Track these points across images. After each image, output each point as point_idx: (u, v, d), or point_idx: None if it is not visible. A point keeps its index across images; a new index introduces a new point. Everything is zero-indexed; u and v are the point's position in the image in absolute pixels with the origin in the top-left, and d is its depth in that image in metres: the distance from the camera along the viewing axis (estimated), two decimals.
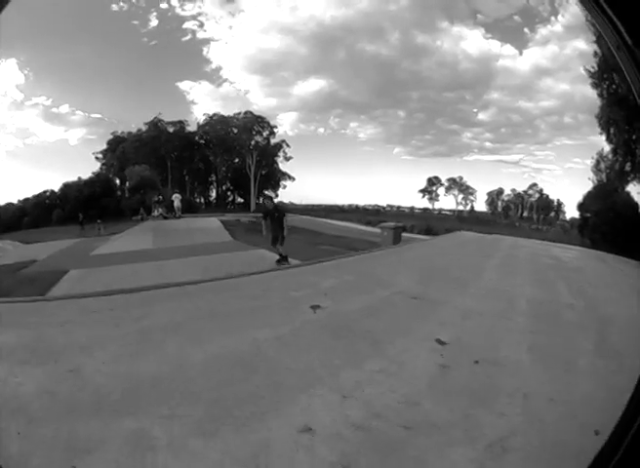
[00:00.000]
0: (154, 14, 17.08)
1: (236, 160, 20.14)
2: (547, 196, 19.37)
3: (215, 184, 20.25)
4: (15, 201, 15.71)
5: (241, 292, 5.33)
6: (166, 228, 12.83)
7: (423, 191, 20.39)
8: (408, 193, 20.82)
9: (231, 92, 19.63)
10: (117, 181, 16.83)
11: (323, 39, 19.12)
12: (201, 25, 17.70)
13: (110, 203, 14.86)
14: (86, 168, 17.13)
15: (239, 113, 18.89)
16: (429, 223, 15.95)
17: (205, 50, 19.26)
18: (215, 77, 18.62)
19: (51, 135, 18.79)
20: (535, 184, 19.50)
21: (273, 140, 19.31)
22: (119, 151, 16.78)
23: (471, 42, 19.21)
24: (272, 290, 5.44)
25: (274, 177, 20.21)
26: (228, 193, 20.78)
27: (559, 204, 19.07)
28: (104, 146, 17.29)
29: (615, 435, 1.07)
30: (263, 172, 19.62)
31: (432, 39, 19.40)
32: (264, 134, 19.06)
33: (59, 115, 17.97)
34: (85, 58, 16.06)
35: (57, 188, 15.65)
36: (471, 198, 20.50)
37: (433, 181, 20.55)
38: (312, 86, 21.10)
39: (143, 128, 17.63)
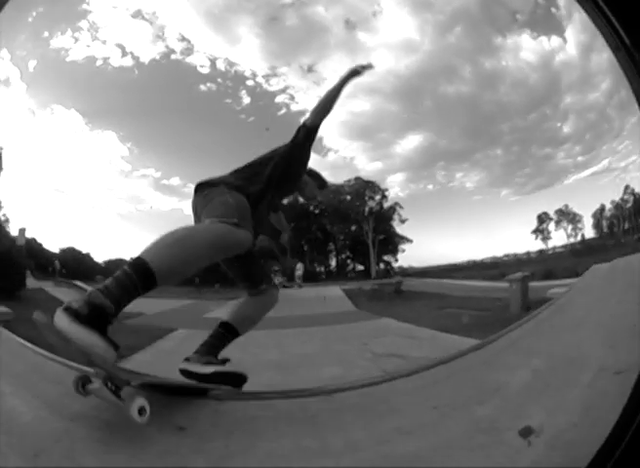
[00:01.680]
0: (243, 91, 18.13)
1: (353, 227, 19.56)
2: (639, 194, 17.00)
3: (334, 253, 19.71)
4: (128, 258, 16.41)
5: None
6: (287, 297, 12.23)
7: (536, 231, 18.50)
8: (521, 237, 18.69)
9: (338, 160, 19.75)
10: None
11: (406, 91, 19.01)
12: (292, 98, 18.34)
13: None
14: None
15: (349, 180, 18.77)
16: (547, 265, 14.35)
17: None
18: (319, 147, 19.00)
19: (164, 203, 19.88)
20: (627, 186, 17.02)
21: (386, 204, 18.58)
22: None
23: (526, 48, 17.71)
24: None
25: (392, 242, 19.17)
26: (348, 261, 20.08)
27: None
28: None
29: (615, 430, 1.13)
30: (381, 237, 18.75)
31: (497, 60, 18.24)
32: (377, 198, 18.51)
33: (170, 187, 19.01)
34: (187, 136, 17.10)
35: None
36: (579, 226, 18.36)
37: (543, 218, 18.61)
38: (411, 142, 20.63)
39: None
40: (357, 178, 19.01)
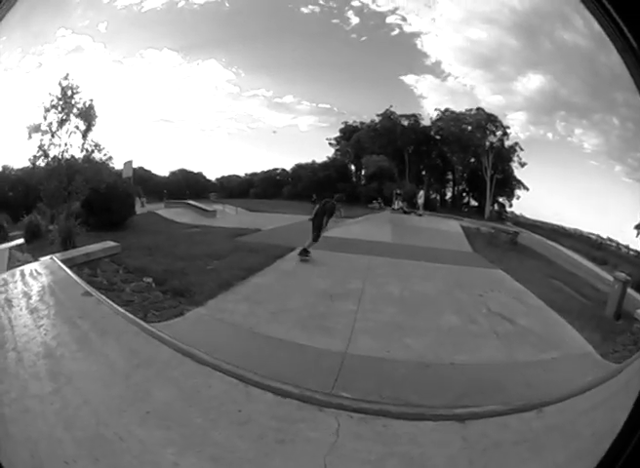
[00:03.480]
0: (350, 12, 16.40)
1: (472, 160, 18.48)
2: None
3: (451, 183, 19.06)
4: (241, 174, 16.88)
5: None
6: (405, 223, 12.39)
7: (638, 227, 15.44)
8: (625, 227, 16.10)
9: (458, 87, 17.97)
10: (352, 168, 17.19)
11: (523, 27, 15.76)
12: (404, 19, 16.25)
13: (346, 188, 15.05)
14: (319, 152, 17.91)
15: (470, 110, 17.21)
16: None
17: (419, 43, 17.81)
18: (437, 71, 17.10)
19: (278, 120, 19.98)
20: None
21: (507, 143, 17.07)
22: (354, 140, 17.10)
23: None
24: None
25: (509, 184, 17.96)
26: (464, 194, 19.40)
27: None
28: (337, 134, 17.73)
29: (620, 438, 1.28)
30: (499, 176, 17.60)
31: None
32: (498, 134, 16.99)
33: (283, 104, 18.83)
34: (296, 57, 16.34)
35: (288, 168, 16.48)
36: None
37: None
38: (533, 82, 17.85)
39: (376, 119, 17.57)
40: (479, 109, 17.40)
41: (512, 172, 17.71)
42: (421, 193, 13.66)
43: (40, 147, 9.10)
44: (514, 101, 18.67)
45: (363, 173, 16.06)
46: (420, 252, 9.01)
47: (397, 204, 13.67)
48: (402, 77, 18.81)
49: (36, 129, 9.12)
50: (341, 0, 17.50)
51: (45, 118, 9.20)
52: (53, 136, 9.20)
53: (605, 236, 16.94)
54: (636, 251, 16.38)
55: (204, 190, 15.86)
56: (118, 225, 8.96)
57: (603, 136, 17.44)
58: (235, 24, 16.32)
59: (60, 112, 9.35)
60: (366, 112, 18.70)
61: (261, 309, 5.07)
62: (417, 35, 17.82)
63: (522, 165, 17.64)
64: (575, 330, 5.68)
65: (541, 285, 8.13)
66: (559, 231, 17.86)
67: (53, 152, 9.16)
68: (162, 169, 14.45)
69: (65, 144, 9.24)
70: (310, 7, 16.49)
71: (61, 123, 9.34)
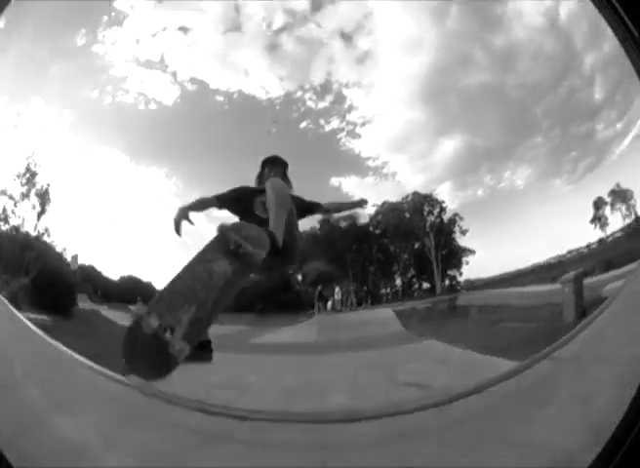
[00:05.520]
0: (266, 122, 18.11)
1: (415, 245, 19.25)
2: None
3: (398, 272, 19.51)
4: None
5: None
6: (337, 321, 12.55)
7: (594, 220, 16.45)
8: (582, 230, 16.45)
9: (381, 177, 19.52)
10: (299, 277, 17.75)
11: (426, 93, 17.82)
12: (316, 123, 18.45)
13: (288, 297, 15.55)
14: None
15: (406, 196, 18.53)
16: (605, 256, 12.73)
17: (336, 144, 19.65)
18: (359, 169, 18.83)
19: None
20: None
21: (446, 216, 18.03)
22: None
23: (528, 11, 15.61)
24: None
25: (455, 255, 18.50)
26: (413, 280, 19.71)
27: None
28: None
29: (614, 437, 1.23)
30: (444, 252, 18.21)
31: (506, 35, 16.37)
32: (436, 212, 18.02)
33: (219, 219, 20.12)
34: (225, 169, 17.37)
35: None
36: (632, 203, 15.93)
37: (598, 204, 16.30)
38: (448, 147, 19.52)
39: (317, 225, 18.66)
40: (414, 193, 18.77)
41: (456, 242, 18.51)
42: (337, 290, 14.00)
43: (3, 211, 9.68)
44: (436, 174, 20.15)
45: (304, 279, 16.59)
46: (344, 343, 9.17)
47: (319, 305, 13.95)
48: (331, 181, 20.59)
49: (3, 192, 9.73)
50: (255, 112, 19.55)
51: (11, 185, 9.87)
52: (15, 204, 9.85)
53: (564, 252, 17.21)
54: (598, 240, 16.64)
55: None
56: (58, 312, 9.18)
57: (532, 164, 18.48)
58: (169, 136, 17.87)
59: (23, 185, 10.07)
60: (305, 222, 20.01)
61: None
62: (329, 136, 19.95)
63: (463, 233, 18.31)
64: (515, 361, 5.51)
65: (481, 335, 8.13)
66: (517, 275, 17.84)
67: (13, 221, 9.76)
68: (112, 271, 14.74)
69: (23, 219, 9.93)
70: (230, 118, 18.36)
71: (23, 197, 10.01)
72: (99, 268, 13.81)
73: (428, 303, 13.06)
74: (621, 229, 16.24)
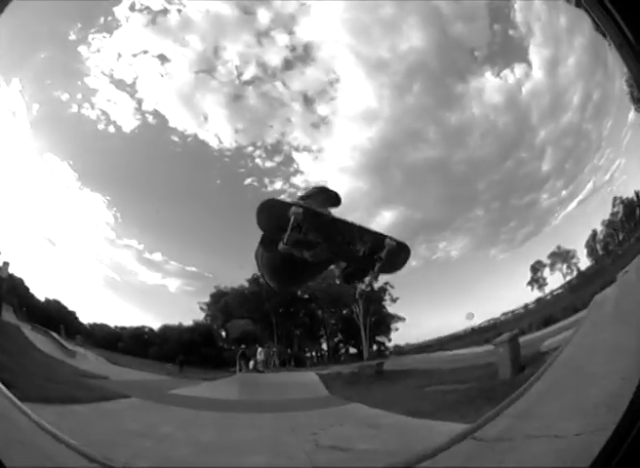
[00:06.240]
0: (214, 172, 18.25)
1: (344, 311, 19.42)
2: (627, 199, 15.51)
3: (325, 337, 19.35)
4: (111, 325, 16.13)
5: None
6: (258, 382, 12.02)
7: (531, 282, 16.89)
8: (517, 292, 17.74)
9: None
10: (223, 333, 17.01)
11: (373, 166, 18.83)
12: (260, 181, 18.88)
13: (211, 352, 14.81)
14: (188, 315, 17.75)
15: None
16: (544, 313, 13.49)
17: None
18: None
19: (149, 278, 20.01)
20: (615, 198, 15.70)
21: (376, 285, 18.49)
22: (222, 304, 17.43)
23: (490, 87, 17.32)
24: None
25: (384, 322, 18.88)
26: (340, 345, 19.63)
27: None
28: (207, 299, 18.04)
29: (617, 432, 1.25)
30: (373, 318, 18.55)
31: (461, 111, 18.10)
32: (366, 280, 18.51)
33: (152, 262, 19.23)
34: (165, 211, 17.21)
35: (155, 328, 16.11)
36: (573, 261, 16.86)
37: (536, 267, 17.57)
38: (386, 219, 20.66)
39: (246, 284, 18.38)
40: None
41: (385, 310, 18.88)
42: (260, 350, 13.68)
43: None
44: None
45: (227, 336, 15.96)
46: (266, 403, 8.73)
47: (251, 364, 13.43)
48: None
49: None
50: (208, 158, 19.22)
51: None
52: None
53: (498, 314, 17.86)
54: (535, 300, 17.31)
55: (74, 330, 14.58)
56: None
57: (469, 235, 19.20)
58: (119, 163, 16.84)
59: None
60: (231, 277, 19.56)
61: None
62: (271, 196, 19.94)
63: (394, 300, 18.93)
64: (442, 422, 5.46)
65: (407, 399, 8.06)
66: (450, 339, 18.20)
67: None
68: (40, 291, 13.42)
69: None
70: (180, 161, 17.81)
71: None
72: (27, 284, 12.63)
73: (355, 368, 12.92)
74: (561, 287, 17.63)
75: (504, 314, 17.96)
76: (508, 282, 18.77)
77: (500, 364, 7.93)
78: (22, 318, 12.11)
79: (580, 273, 17.62)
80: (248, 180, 21.43)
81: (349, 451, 5.24)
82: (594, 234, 18.17)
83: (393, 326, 18.33)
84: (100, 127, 15.37)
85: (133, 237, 20.83)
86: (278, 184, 21.81)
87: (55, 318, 13.43)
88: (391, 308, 18.52)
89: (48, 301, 14.39)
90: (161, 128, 16.58)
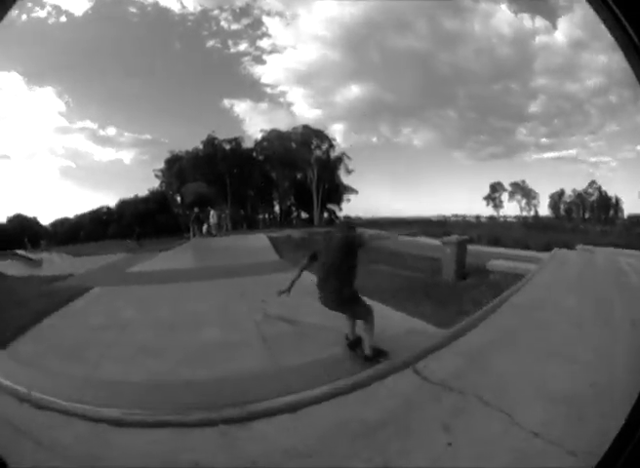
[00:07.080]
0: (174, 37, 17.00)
1: (298, 175, 19.75)
2: (605, 193, 17.80)
3: (277, 200, 19.99)
4: (71, 216, 16.58)
5: None
6: (211, 246, 12.46)
7: (487, 198, 19.00)
8: (472, 201, 19.18)
9: (275, 105, 19.31)
10: (178, 199, 17.22)
11: (351, 40, 17.80)
12: (224, 43, 17.56)
13: (166, 219, 15.16)
14: (144, 185, 17.92)
15: (296, 128, 18.54)
16: (495, 232, 14.34)
17: (244, 66, 19.07)
18: (254, 94, 18.35)
19: (104, 155, 19.91)
20: (594, 182, 18.11)
21: (334, 154, 18.66)
22: (176, 169, 17.22)
23: (501, 19, 16.70)
24: None
25: (337, 191, 19.59)
26: (292, 208, 20.46)
27: (617, 201, 17.56)
28: (163, 165, 17.85)
29: (620, 436, 1.24)
30: (326, 186, 19.08)
31: (461, 23, 17.20)
32: (324, 147, 18.49)
33: (106, 138, 18.86)
34: (119, 84, 16.70)
35: (113, 205, 16.40)
36: (534, 202, 18.99)
37: (496, 188, 19.14)
38: (354, 92, 20.11)
39: (200, 146, 17.95)
40: (305, 127, 18.86)
41: (339, 179, 19.47)
42: (212, 213, 13.82)
43: None
44: (333, 113, 20.17)
45: (182, 201, 16.16)
46: (218, 270, 9.23)
47: (204, 228, 13.77)
48: (223, 102, 19.44)
49: None
50: (163, 26, 17.26)
51: None
52: None
53: (449, 214, 19.36)
54: (489, 216, 19.25)
55: (38, 237, 15.07)
56: None
57: (437, 130, 19.34)
58: (72, 51, 15.31)
59: None
60: (186, 140, 18.96)
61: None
62: (236, 58, 18.32)
63: (349, 172, 19.46)
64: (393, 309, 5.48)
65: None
66: (398, 222, 19.61)
67: None
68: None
69: None
70: (137, 31, 15.95)
71: None
72: None
73: (305, 233, 13.10)
74: (516, 217, 18.77)
75: (455, 216, 19.13)
76: (465, 188, 19.34)
77: (444, 264, 7.93)
78: None
79: (538, 217, 18.60)
80: (210, 43, 19.03)
81: (297, 324, 5.40)
82: (562, 193, 18.74)
83: (345, 196, 19.14)
84: (51, 21, 13.33)
85: (86, 118, 19.45)
86: (243, 46, 19.49)
87: (18, 233, 13.74)
88: (345, 179, 19.10)
89: (10, 220, 14.56)
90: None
